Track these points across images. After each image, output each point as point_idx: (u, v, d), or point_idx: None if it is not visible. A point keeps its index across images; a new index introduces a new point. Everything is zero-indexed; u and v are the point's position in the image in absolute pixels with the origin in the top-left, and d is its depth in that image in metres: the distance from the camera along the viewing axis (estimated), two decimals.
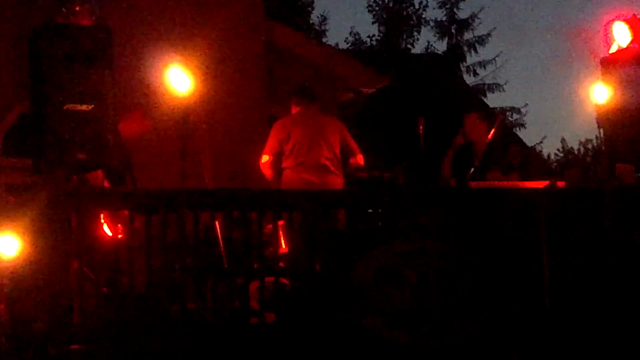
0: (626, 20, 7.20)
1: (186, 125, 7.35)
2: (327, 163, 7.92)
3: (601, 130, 7.24)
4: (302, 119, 8.05)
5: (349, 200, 6.87)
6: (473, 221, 6.71)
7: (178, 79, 7.24)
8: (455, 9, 29.63)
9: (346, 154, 8.13)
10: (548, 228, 6.56)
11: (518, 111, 29.90)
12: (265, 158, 7.97)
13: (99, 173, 7.03)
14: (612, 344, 6.38)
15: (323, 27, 30.35)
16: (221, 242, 6.85)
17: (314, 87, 12.40)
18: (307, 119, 8.05)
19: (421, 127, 8.31)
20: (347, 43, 30.19)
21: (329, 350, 6.14)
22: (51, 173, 6.11)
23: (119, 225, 6.61)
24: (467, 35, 29.56)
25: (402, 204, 6.54)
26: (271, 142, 7.99)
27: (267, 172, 7.97)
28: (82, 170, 6.48)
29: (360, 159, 8.18)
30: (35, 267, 5.86)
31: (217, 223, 7.01)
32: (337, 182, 7.93)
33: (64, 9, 6.30)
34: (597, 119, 7.27)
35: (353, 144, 8.18)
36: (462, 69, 28.79)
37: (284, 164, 7.95)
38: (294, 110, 8.20)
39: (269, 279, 6.54)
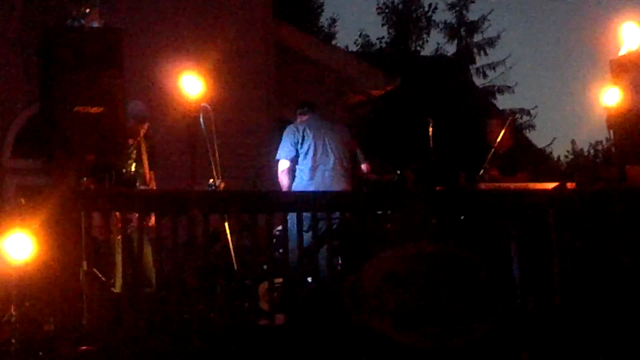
0: (636, 22, 7.20)
1: (197, 128, 7.37)
2: (339, 168, 7.92)
3: (611, 132, 7.23)
4: (313, 124, 8.07)
5: (358, 202, 6.87)
6: (483, 222, 6.71)
7: (190, 83, 7.26)
8: (464, 11, 29.64)
9: (354, 160, 8.15)
10: (558, 229, 6.55)
11: (528, 113, 29.86)
12: (284, 164, 7.91)
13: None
14: (621, 343, 6.37)
15: (332, 30, 30.41)
16: (231, 243, 6.86)
17: (323, 89, 12.53)
18: (317, 124, 8.07)
19: (431, 129, 8.31)
20: (357, 45, 30.24)
21: (338, 352, 6.14)
22: (62, 175, 6.12)
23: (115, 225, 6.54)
24: (477, 37, 29.58)
25: (412, 206, 6.54)
26: (287, 146, 7.97)
27: (285, 181, 7.91)
28: (92, 171, 6.49)
29: (366, 167, 8.21)
30: (45, 268, 5.88)
31: (226, 225, 7.03)
32: (347, 186, 7.94)
33: (74, 12, 6.32)
34: (607, 120, 7.26)
35: (360, 152, 8.20)
36: (472, 71, 28.74)
37: (298, 168, 7.93)
38: (302, 120, 8.23)
39: (278, 280, 6.55)
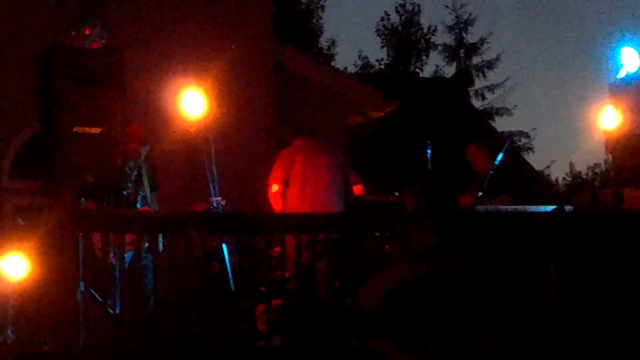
0: (635, 46, 7.22)
1: (196, 148, 7.38)
2: (330, 188, 7.99)
3: (609, 155, 7.24)
4: (304, 147, 8.19)
5: (357, 223, 6.87)
6: (483, 244, 6.70)
7: (190, 103, 7.27)
8: (464, 33, 29.69)
9: (347, 183, 8.21)
10: (557, 251, 6.55)
11: (526, 135, 29.87)
12: (275, 188, 8.00)
13: None
14: None
15: (332, 51, 30.51)
16: (228, 264, 6.85)
17: (323, 110, 12.53)
18: (309, 148, 8.18)
19: (429, 151, 8.30)
20: (356, 67, 30.31)
21: None
22: (60, 195, 6.12)
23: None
24: (476, 60, 29.60)
25: (410, 227, 6.53)
26: (277, 170, 8.06)
27: (277, 204, 7.98)
28: (91, 192, 6.49)
29: (360, 189, 8.24)
30: (42, 288, 5.87)
31: (224, 246, 7.01)
32: (339, 207, 7.97)
33: (74, 32, 6.34)
34: (605, 143, 7.27)
35: (353, 174, 8.25)
36: (471, 93, 28.79)
37: (289, 190, 7.99)
38: (295, 144, 8.31)
39: (276, 302, 6.53)
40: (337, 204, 7.96)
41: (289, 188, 7.99)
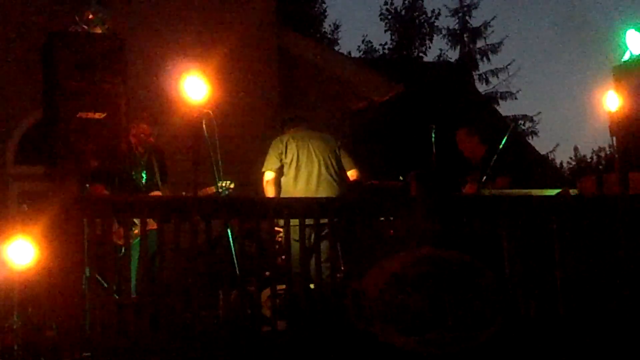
0: (639, 29, 7.20)
1: (200, 134, 7.38)
2: (325, 174, 8.01)
3: (614, 139, 7.21)
4: (297, 134, 8.23)
5: (361, 207, 6.87)
6: (486, 228, 6.70)
7: (193, 87, 7.27)
8: (467, 17, 29.65)
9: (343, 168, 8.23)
10: (561, 236, 6.55)
11: (531, 119, 29.87)
12: (269, 175, 8.04)
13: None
14: (624, 350, 6.36)
15: (335, 36, 30.48)
16: (233, 249, 6.85)
17: (326, 95, 12.53)
18: (302, 134, 8.22)
19: (433, 135, 8.31)
20: (360, 51, 30.28)
21: (341, 358, 6.13)
22: (64, 181, 6.12)
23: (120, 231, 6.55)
24: (480, 43, 29.60)
25: (414, 212, 6.53)
26: (271, 158, 8.09)
27: (270, 192, 8.01)
28: (97, 177, 6.49)
29: (355, 174, 8.24)
30: (47, 274, 5.87)
31: (228, 231, 7.01)
32: (337, 191, 7.99)
33: (77, 18, 6.33)
34: (610, 127, 7.25)
35: (348, 159, 8.25)
36: (475, 77, 28.75)
37: (284, 177, 8.02)
38: (288, 132, 8.34)
39: (281, 287, 6.54)
40: (333, 189, 7.97)
41: (283, 176, 8.03)
